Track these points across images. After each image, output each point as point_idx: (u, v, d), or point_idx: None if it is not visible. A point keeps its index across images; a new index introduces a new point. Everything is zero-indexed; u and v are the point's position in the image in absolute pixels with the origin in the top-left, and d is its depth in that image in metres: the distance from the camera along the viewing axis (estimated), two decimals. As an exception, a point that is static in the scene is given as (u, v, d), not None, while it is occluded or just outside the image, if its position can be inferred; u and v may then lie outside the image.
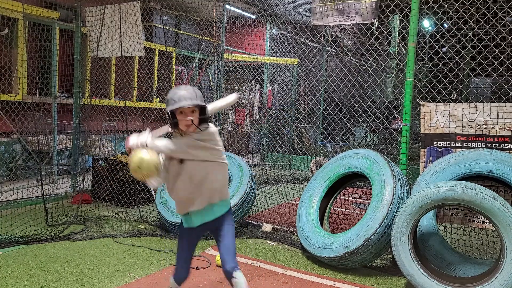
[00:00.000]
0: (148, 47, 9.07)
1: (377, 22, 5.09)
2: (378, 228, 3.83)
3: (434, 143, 4.21)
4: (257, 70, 9.91)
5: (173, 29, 10.20)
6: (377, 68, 6.93)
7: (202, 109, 2.68)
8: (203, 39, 10.38)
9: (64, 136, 7.74)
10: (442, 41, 4.48)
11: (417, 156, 4.80)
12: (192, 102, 2.62)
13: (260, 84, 10.61)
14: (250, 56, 9.57)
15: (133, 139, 2.66)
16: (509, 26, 4.60)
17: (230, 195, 2.95)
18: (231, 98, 3.07)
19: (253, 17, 8.89)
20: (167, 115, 2.67)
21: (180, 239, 2.92)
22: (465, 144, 4.08)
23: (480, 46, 4.34)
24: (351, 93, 5.93)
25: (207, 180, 2.72)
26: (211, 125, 2.78)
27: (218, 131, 2.83)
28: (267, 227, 5.23)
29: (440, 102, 4.34)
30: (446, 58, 4.52)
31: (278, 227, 5.28)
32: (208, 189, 2.73)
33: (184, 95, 2.63)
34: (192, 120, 2.63)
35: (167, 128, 2.86)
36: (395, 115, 7.08)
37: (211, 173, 2.74)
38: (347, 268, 4.08)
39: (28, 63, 7.21)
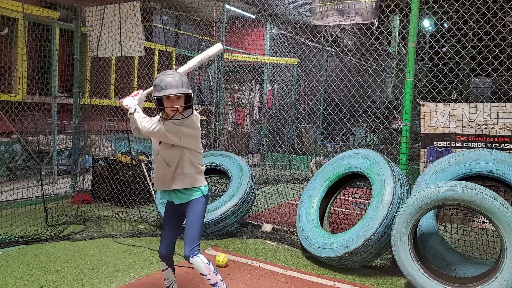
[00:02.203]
0: (148, 47, 9.07)
1: (377, 22, 5.09)
2: (378, 228, 3.83)
3: (434, 143, 4.21)
4: (257, 70, 9.91)
5: (173, 29, 10.20)
6: (377, 68, 6.92)
7: (187, 96, 2.81)
8: (203, 39, 10.38)
9: (64, 136, 7.73)
10: (442, 41, 4.48)
11: (417, 156, 4.80)
12: (178, 91, 2.74)
13: (260, 84, 10.60)
14: (250, 56, 9.57)
15: (129, 101, 2.87)
16: (509, 26, 4.59)
17: (205, 184, 3.04)
18: (213, 50, 3.17)
19: (253, 17, 8.89)
20: (153, 101, 2.80)
21: (165, 213, 3.12)
22: (465, 144, 4.08)
23: (480, 46, 4.34)
24: (351, 93, 5.93)
25: (179, 165, 2.89)
26: (194, 112, 2.92)
27: (198, 117, 2.96)
28: (267, 227, 5.22)
29: (440, 102, 4.34)
30: (446, 58, 4.51)
31: (278, 227, 5.28)
32: (179, 174, 2.90)
33: (170, 82, 2.74)
34: (177, 108, 2.78)
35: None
36: (395, 115, 7.08)
37: (183, 159, 2.89)
38: (347, 268, 4.08)
39: (28, 63, 7.20)
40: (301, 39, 8.35)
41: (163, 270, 3.11)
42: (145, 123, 2.80)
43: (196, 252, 2.86)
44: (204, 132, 9.04)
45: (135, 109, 2.84)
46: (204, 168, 3.04)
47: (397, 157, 4.55)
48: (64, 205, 6.11)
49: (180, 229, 3.13)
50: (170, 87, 2.72)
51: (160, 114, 2.88)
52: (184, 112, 2.83)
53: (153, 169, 3.03)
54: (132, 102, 2.86)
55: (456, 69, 4.42)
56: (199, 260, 2.85)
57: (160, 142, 2.93)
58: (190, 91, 2.79)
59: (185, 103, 2.82)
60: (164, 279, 3.14)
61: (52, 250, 4.35)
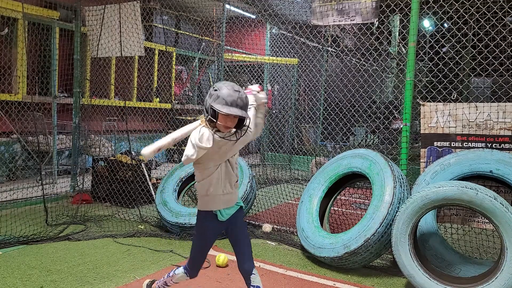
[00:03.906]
0: (148, 47, 9.07)
1: (377, 22, 5.09)
2: (378, 228, 3.83)
3: (435, 143, 4.21)
4: (257, 70, 9.91)
5: (173, 29, 10.20)
6: (377, 68, 6.92)
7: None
8: (203, 39, 10.38)
9: (64, 136, 7.73)
10: (442, 41, 4.48)
11: (417, 156, 4.80)
12: (242, 114, 2.53)
13: (260, 84, 10.59)
14: (250, 56, 9.57)
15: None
16: (509, 26, 4.59)
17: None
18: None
19: (253, 17, 8.89)
20: (209, 109, 2.56)
21: (204, 235, 2.83)
22: (465, 144, 4.08)
23: (480, 46, 4.34)
24: (351, 93, 5.92)
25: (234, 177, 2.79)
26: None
27: None
28: (267, 227, 5.22)
29: (441, 102, 4.34)
30: (446, 58, 4.51)
31: (278, 227, 5.28)
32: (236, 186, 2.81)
33: (237, 101, 2.52)
34: (234, 131, 2.60)
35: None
36: (395, 115, 7.08)
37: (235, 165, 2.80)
38: (347, 268, 4.08)
39: (28, 62, 7.20)
40: (301, 39, 8.34)
41: (174, 282, 3.03)
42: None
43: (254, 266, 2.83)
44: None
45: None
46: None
47: (397, 157, 4.55)
48: (64, 205, 6.11)
49: None
50: (235, 105, 2.51)
51: (210, 125, 2.61)
52: (236, 133, 2.64)
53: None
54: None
55: (456, 69, 4.42)
56: (258, 274, 2.82)
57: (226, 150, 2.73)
58: (250, 116, 2.65)
59: (238, 122, 2.62)
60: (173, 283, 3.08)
61: (52, 250, 4.35)
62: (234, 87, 2.57)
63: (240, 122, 2.61)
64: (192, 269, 2.91)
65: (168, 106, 9.40)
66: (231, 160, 2.73)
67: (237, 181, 2.80)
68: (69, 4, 7.18)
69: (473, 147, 4.03)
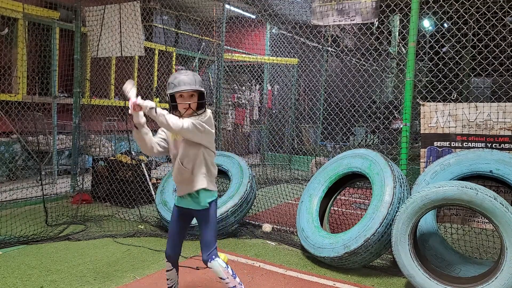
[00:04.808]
0: (148, 47, 9.07)
1: (377, 22, 5.09)
2: (378, 228, 3.83)
3: (434, 143, 4.21)
4: (257, 70, 9.90)
5: (173, 29, 10.20)
6: (377, 68, 6.92)
7: (200, 94, 2.83)
8: (203, 39, 10.38)
9: (64, 136, 7.73)
10: (442, 41, 4.48)
11: (417, 156, 4.80)
12: (190, 87, 2.77)
13: (260, 84, 10.61)
14: (250, 56, 9.57)
15: (144, 101, 2.72)
16: (509, 26, 4.59)
17: (216, 190, 3.00)
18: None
19: (253, 17, 8.89)
20: (167, 98, 2.83)
21: (171, 217, 3.08)
22: (465, 144, 4.08)
23: (480, 46, 4.34)
24: (351, 93, 5.93)
25: (196, 165, 2.86)
26: (209, 111, 2.91)
27: (211, 115, 2.92)
28: (267, 227, 5.22)
29: (440, 102, 4.34)
30: (446, 58, 4.51)
31: (278, 227, 5.28)
32: (196, 175, 2.87)
33: (183, 79, 2.78)
34: (189, 104, 2.79)
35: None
36: (395, 115, 7.08)
37: (200, 157, 2.86)
38: (347, 268, 4.08)
39: (28, 63, 7.20)
40: (301, 39, 8.34)
41: (167, 271, 3.09)
42: (174, 120, 2.70)
43: (213, 257, 2.86)
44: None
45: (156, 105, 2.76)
46: (216, 171, 2.99)
47: (397, 157, 4.55)
48: (64, 205, 6.11)
49: (187, 230, 3.11)
50: (183, 84, 2.76)
51: (174, 113, 2.85)
52: (197, 111, 2.82)
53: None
54: (148, 101, 2.75)
55: (456, 69, 4.42)
56: (217, 265, 2.86)
57: (176, 145, 2.89)
58: (202, 89, 2.81)
59: (198, 101, 2.82)
60: (167, 279, 3.13)
61: (52, 250, 4.35)
62: (181, 71, 2.84)
63: (200, 99, 2.81)
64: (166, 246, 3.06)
65: (168, 106, 9.39)
66: (180, 157, 2.86)
67: (191, 174, 2.87)
68: (69, 4, 7.18)
69: (473, 147, 4.03)
